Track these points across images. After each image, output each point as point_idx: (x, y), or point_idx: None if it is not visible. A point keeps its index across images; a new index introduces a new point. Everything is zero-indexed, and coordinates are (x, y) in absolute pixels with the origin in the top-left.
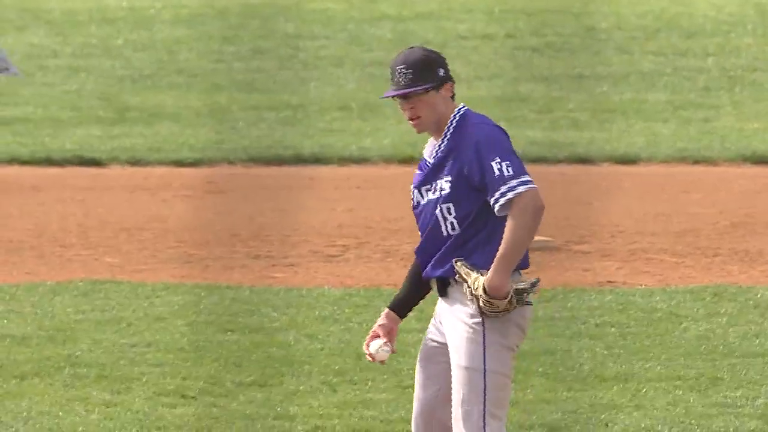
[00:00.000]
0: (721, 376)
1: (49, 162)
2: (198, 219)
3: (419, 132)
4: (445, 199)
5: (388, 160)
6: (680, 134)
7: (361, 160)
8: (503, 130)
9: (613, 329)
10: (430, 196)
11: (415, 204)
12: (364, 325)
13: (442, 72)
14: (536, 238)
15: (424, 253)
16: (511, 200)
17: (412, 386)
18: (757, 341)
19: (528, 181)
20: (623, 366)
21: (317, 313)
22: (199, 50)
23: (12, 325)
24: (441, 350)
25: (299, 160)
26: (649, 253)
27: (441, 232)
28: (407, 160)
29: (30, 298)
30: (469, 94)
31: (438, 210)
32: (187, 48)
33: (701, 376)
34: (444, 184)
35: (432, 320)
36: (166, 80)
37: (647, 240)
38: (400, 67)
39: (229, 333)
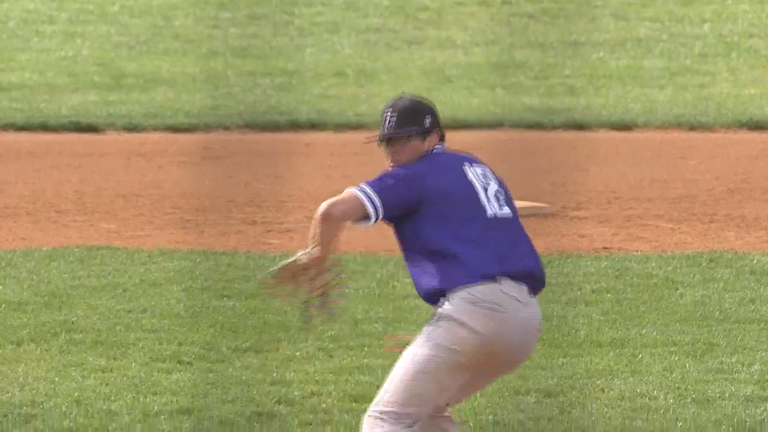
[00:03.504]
0: (717, 341)
1: (45, 128)
2: (194, 185)
3: None
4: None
5: None
6: (676, 100)
7: (357, 126)
8: (416, 173)
9: (608, 295)
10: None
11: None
12: (360, 291)
13: (428, 121)
14: (531, 204)
15: None
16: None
17: None
18: (753, 307)
19: (363, 192)
20: (619, 332)
21: None
22: (195, 16)
23: (8, 290)
24: None
25: (295, 126)
26: (645, 219)
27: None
28: None
29: (26, 263)
30: (466, 60)
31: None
32: (183, 14)
33: (697, 341)
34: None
35: None
36: (162, 46)
37: (643, 206)
38: (387, 112)
39: (225, 299)
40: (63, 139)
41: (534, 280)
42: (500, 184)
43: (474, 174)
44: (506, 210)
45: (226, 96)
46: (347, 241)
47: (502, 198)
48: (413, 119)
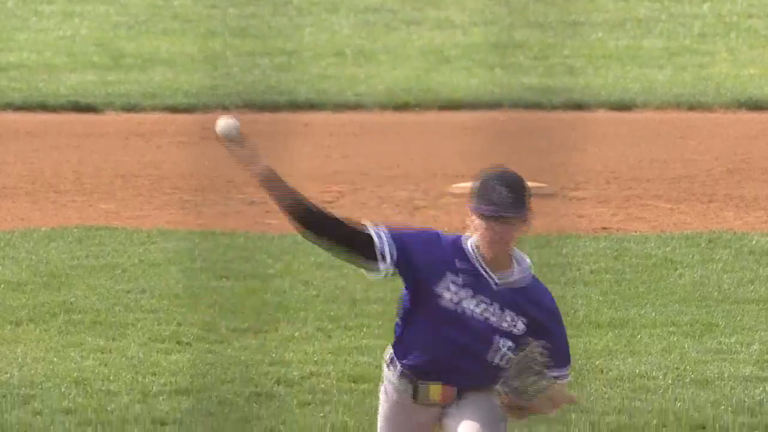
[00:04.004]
0: (716, 322)
1: (43, 108)
2: (193, 165)
3: (497, 254)
4: (512, 336)
5: (384, 106)
6: (676, 80)
7: (356, 106)
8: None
9: (607, 276)
10: (492, 319)
11: (465, 311)
12: (359, 271)
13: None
14: (530, 184)
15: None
16: None
17: None
18: (752, 287)
19: None
20: (618, 312)
21: (312, 259)
22: None
23: (7, 271)
24: None
25: (294, 106)
26: (644, 200)
27: (486, 359)
28: (402, 107)
29: (25, 244)
30: (465, 40)
31: (496, 339)
32: None
33: (696, 322)
34: (519, 323)
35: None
36: (161, 26)
37: (642, 186)
38: (496, 185)
39: (223, 279)
40: (62, 119)
41: None
42: None
43: None
44: None
45: (225, 76)
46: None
47: None
48: (524, 199)
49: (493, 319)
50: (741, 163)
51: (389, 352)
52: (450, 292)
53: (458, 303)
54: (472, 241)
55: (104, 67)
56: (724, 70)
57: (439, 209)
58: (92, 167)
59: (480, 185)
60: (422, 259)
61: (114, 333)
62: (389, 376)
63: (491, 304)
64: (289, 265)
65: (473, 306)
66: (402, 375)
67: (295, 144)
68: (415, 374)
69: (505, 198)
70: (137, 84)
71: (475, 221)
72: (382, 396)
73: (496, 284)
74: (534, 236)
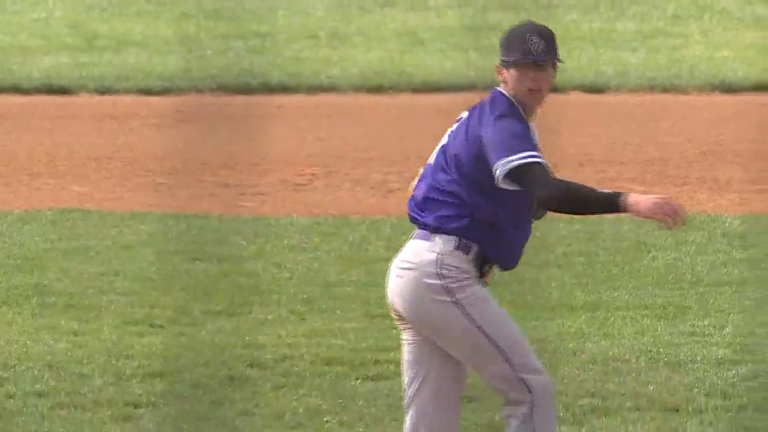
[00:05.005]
0: (689, 304)
1: (17, 90)
2: (166, 148)
3: (537, 106)
4: None
5: (358, 88)
6: (649, 63)
7: (329, 89)
8: None
9: (581, 258)
10: None
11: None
12: (332, 253)
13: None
14: None
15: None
16: None
17: (381, 315)
18: (725, 270)
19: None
20: (591, 295)
21: (285, 242)
22: None
23: None
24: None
25: (268, 88)
26: (618, 182)
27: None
28: (376, 89)
29: None
30: (439, 22)
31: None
32: None
33: (669, 304)
34: None
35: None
36: (135, 8)
37: (615, 169)
38: (530, 35)
39: (197, 262)
40: (35, 102)
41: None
42: None
43: None
44: None
45: (199, 58)
46: (319, 204)
47: None
48: (555, 47)
49: None
50: (714, 146)
51: (454, 240)
52: None
53: None
54: (507, 93)
55: (78, 49)
56: (697, 52)
57: None
58: (65, 150)
59: (512, 37)
60: None
61: (87, 316)
62: (459, 261)
63: None
64: (262, 247)
65: None
66: (474, 258)
67: (268, 126)
68: (488, 260)
69: (539, 45)
70: (111, 66)
71: (510, 73)
72: (471, 287)
73: None
74: None
